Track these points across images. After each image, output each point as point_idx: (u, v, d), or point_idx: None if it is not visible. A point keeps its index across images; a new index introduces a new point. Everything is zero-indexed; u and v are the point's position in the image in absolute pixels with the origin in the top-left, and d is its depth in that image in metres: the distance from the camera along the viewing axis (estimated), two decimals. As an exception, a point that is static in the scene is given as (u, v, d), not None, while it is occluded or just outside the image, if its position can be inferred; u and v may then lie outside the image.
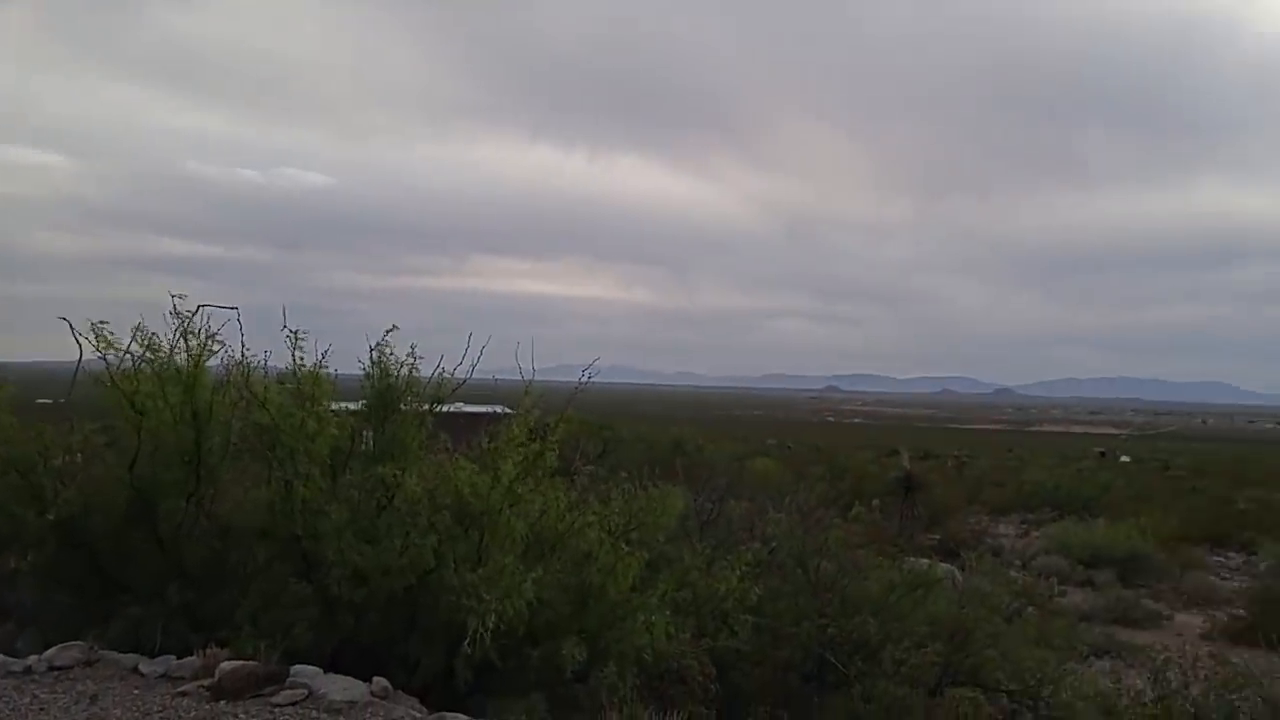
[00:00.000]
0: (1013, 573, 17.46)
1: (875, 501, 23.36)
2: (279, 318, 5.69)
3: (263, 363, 6.08)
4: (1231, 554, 22.69)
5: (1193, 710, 7.95)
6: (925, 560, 13.05)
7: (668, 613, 5.98)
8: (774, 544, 8.97)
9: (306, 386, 5.59)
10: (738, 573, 6.77)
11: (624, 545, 5.70)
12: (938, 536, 20.66)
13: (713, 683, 6.84)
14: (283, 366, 5.83)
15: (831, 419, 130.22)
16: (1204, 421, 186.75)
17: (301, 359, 5.71)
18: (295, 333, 5.66)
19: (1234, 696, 8.03)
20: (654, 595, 5.98)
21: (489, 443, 5.92)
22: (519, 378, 6.33)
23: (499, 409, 7.68)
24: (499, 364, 6.64)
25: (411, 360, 6.07)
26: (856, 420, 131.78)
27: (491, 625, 5.10)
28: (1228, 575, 19.74)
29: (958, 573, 13.98)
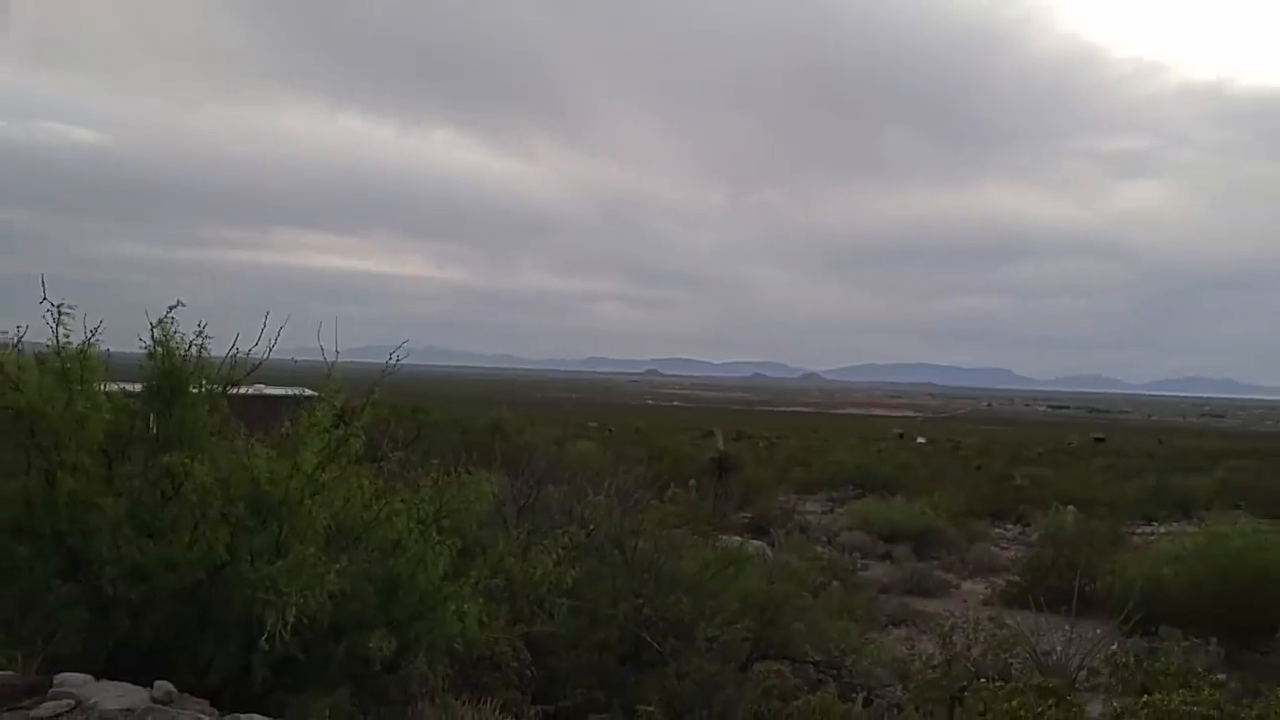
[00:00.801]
0: (819, 548, 18.38)
1: (692, 482, 23.97)
2: (38, 289, 5.04)
3: (14, 339, 5.38)
4: (1010, 526, 24.72)
5: (973, 669, 8.56)
6: (738, 538, 13.51)
7: (481, 600, 5.82)
8: (591, 527, 8.97)
9: (73, 366, 5.01)
10: (553, 557, 6.69)
11: (434, 533, 5.49)
12: (749, 515, 21.41)
13: (528, 668, 6.77)
14: (45, 344, 5.17)
15: (652, 402, 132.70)
16: (989, 405, 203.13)
17: (67, 336, 5.09)
18: (59, 306, 5.04)
19: (1007, 654, 8.71)
20: (466, 583, 5.80)
21: (289, 428, 5.55)
22: (324, 359, 5.96)
23: (301, 392, 7.25)
24: (304, 344, 6.23)
25: (200, 339, 5.56)
26: (675, 403, 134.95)
27: (291, 619, 4.78)
28: (1006, 545, 21.52)
29: (768, 549, 14.54)
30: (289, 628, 4.77)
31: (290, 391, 7.97)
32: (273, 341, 5.67)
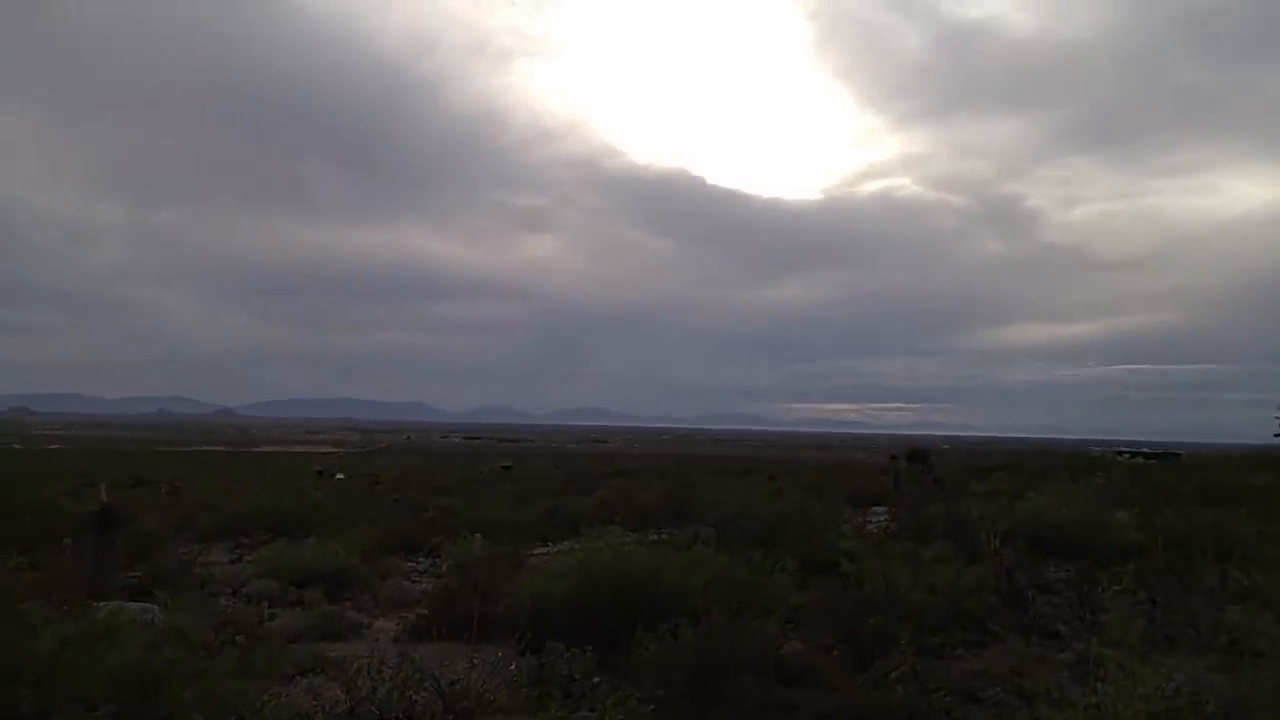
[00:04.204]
0: (223, 601, 16.88)
1: (67, 541, 20.50)
2: None
3: None
4: (422, 559, 25.24)
5: (378, 712, 8.51)
6: (117, 603, 11.81)
7: None
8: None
9: None
10: None
11: None
12: (140, 574, 18.94)
13: None
14: None
15: (19, 445, 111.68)
16: (409, 438, 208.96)
17: None
18: None
19: (411, 692, 8.81)
20: None
21: None
22: None
23: None
24: None
25: None
26: (54, 446, 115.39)
27: None
28: (417, 579, 21.88)
29: (157, 611, 12.98)
30: None
31: None
32: None
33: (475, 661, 10.11)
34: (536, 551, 23.55)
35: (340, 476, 61.16)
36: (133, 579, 18.24)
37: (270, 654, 12.72)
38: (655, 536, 22.01)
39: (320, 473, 63.38)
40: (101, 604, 10.63)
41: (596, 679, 9.29)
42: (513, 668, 10.43)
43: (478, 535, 21.54)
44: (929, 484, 31.28)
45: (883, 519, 28.02)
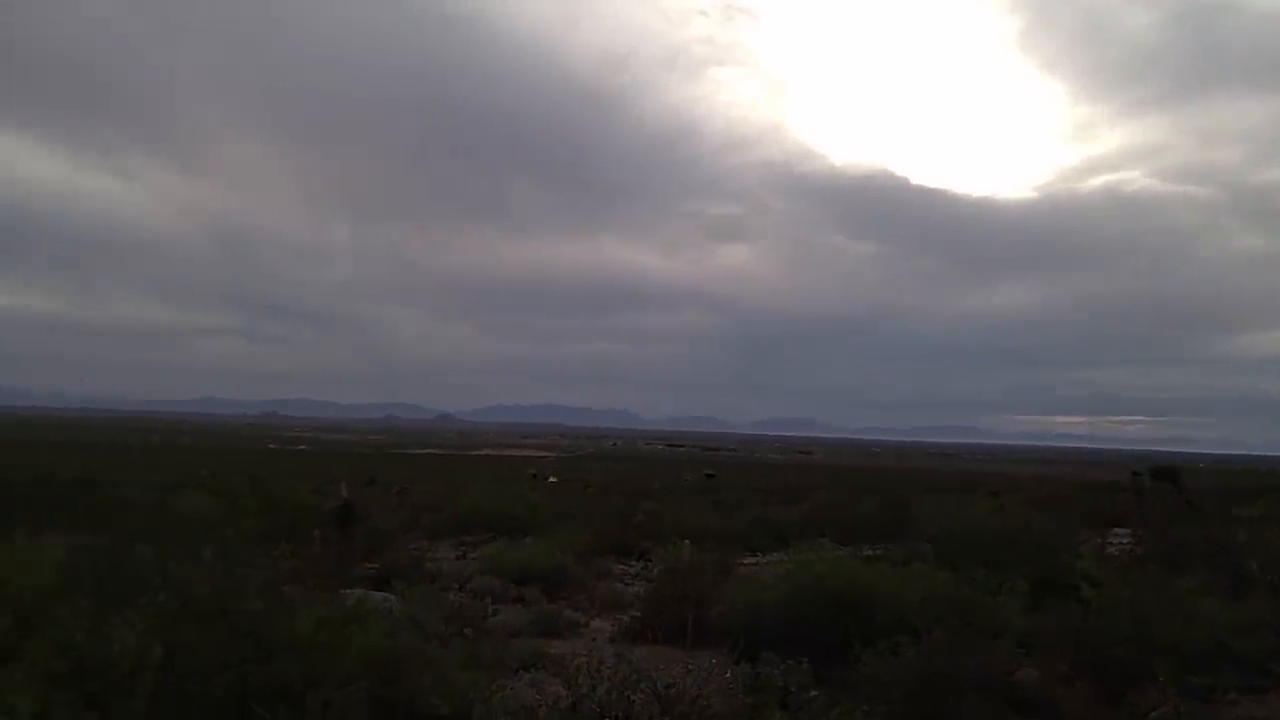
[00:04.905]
0: (450, 596, 17.91)
1: (316, 534, 22.41)
2: None
3: None
4: (632, 562, 25.78)
5: (599, 709, 8.68)
6: (361, 592, 12.75)
7: (38, 689, 4.84)
8: (189, 591, 7.91)
9: None
10: (139, 628, 5.77)
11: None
12: (376, 566, 20.40)
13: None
14: None
15: (274, 446, 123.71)
16: (614, 444, 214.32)
17: None
18: None
19: (630, 693, 8.93)
20: (17, 670, 4.80)
21: None
22: None
23: None
24: None
25: None
26: (301, 447, 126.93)
27: None
28: (629, 581, 22.33)
29: (395, 601, 13.88)
30: None
31: None
32: None
33: (690, 666, 10.15)
34: (745, 561, 23.42)
35: (553, 480, 63.59)
36: (370, 570, 19.67)
37: (495, 647, 13.33)
38: (869, 552, 21.29)
39: (534, 476, 66.14)
40: (347, 592, 11.49)
41: (814, 692, 9.09)
42: (728, 675, 10.37)
43: (686, 541, 21.70)
44: (1179, 505, 28.39)
45: (1125, 542, 25.72)
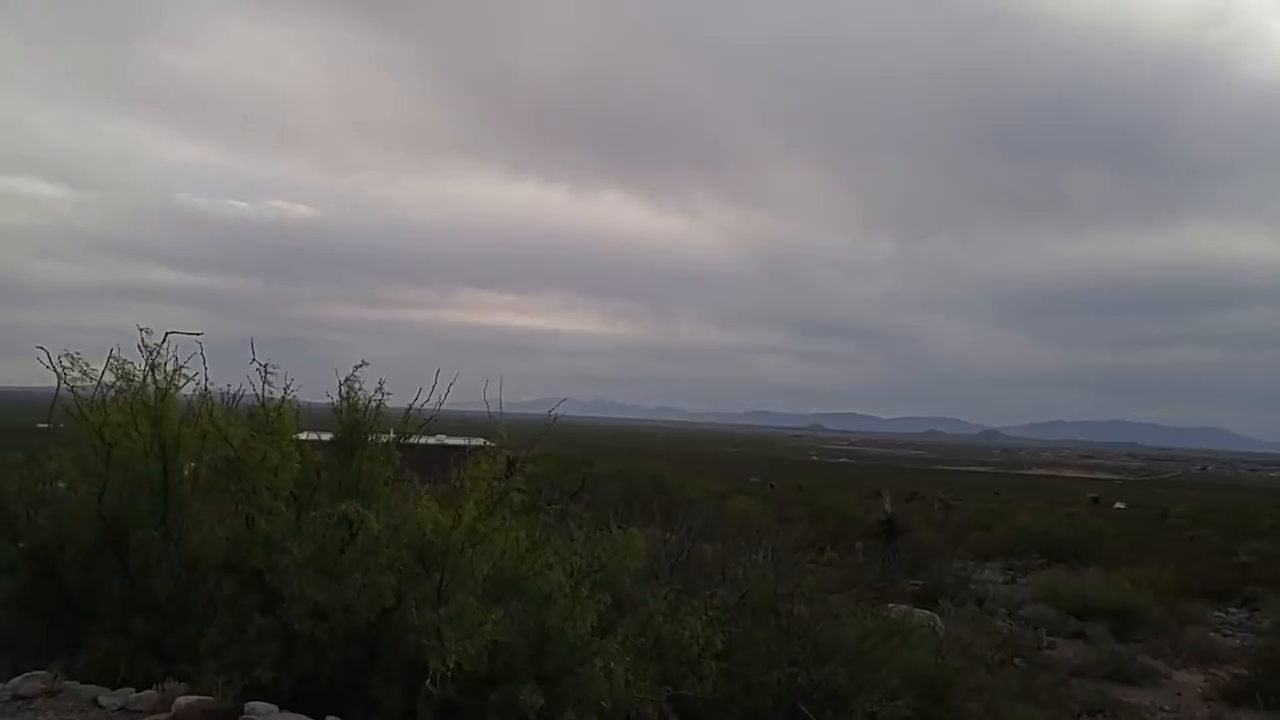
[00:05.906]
0: (998, 622, 17.12)
1: (858, 544, 23.20)
2: (266, 348, 5.70)
3: (234, 394, 6.04)
4: (1233, 609, 22.00)
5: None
6: (904, 607, 12.91)
7: (629, 658, 5.86)
8: (746, 588, 8.84)
9: (271, 418, 5.56)
10: (704, 618, 6.66)
11: (584, 588, 5.61)
12: (919, 582, 20.44)
13: (676, 729, 6.70)
14: (255, 397, 5.83)
15: (816, 458, 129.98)
16: (1203, 468, 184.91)
17: (270, 392, 5.70)
18: (265, 365, 5.66)
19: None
20: (614, 640, 5.87)
21: (456, 479, 5.85)
22: (499, 411, 6.28)
23: (474, 442, 7.61)
24: (480, 397, 6.57)
25: (380, 394, 6.04)
26: (842, 460, 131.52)
27: (453, 665, 5.02)
28: (1229, 632, 19.04)
29: (938, 621, 13.80)
30: (451, 674, 5.00)
31: (465, 441, 8.38)
32: (444, 395, 6.04)
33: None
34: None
35: (1119, 506, 57.73)
36: (914, 585, 19.78)
37: (1053, 683, 12.44)
38: None
39: (1095, 500, 60.67)
40: (891, 605, 11.76)
41: None
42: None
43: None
44: None
45: None
